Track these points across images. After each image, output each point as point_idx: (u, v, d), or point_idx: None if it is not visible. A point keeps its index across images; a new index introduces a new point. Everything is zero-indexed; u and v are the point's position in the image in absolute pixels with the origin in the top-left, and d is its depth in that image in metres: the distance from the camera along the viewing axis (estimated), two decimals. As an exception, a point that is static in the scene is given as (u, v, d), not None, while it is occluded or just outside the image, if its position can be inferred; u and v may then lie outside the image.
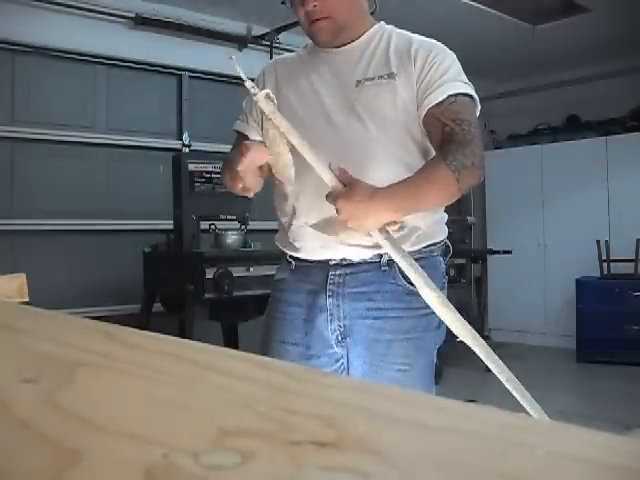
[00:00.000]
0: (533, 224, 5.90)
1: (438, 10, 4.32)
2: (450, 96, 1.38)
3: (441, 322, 1.49)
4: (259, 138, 1.53)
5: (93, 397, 0.36)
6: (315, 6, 1.38)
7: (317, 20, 1.41)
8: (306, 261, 1.49)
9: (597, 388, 4.41)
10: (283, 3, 1.47)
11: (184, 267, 3.36)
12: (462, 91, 1.40)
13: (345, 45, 1.48)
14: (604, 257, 5.21)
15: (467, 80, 1.43)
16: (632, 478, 0.25)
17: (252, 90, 1.23)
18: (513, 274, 5.84)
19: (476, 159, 1.33)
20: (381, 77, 1.42)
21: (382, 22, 1.52)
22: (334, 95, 1.44)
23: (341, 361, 1.49)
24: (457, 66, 1.43)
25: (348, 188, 1.26)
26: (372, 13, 1.52)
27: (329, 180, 1.27)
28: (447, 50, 1.45)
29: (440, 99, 1.38)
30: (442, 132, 1.37)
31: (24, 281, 0.95)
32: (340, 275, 1.45)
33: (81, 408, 0.33)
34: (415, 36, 1.47)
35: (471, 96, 1.42)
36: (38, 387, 0.36)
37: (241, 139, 1.57)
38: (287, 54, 1.68)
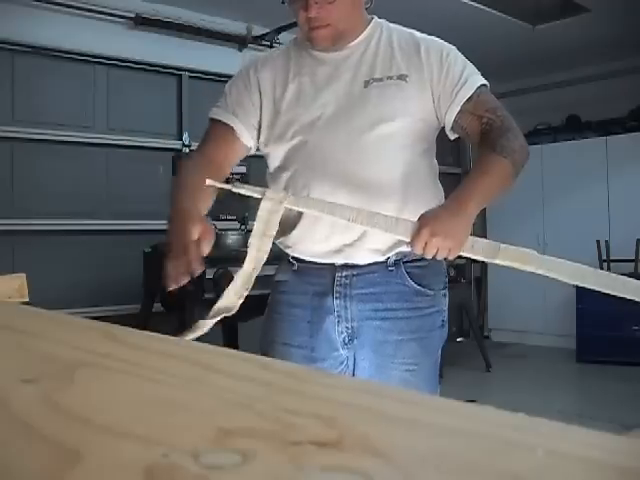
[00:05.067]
0: (533, 224, 5.90)
1: (438, 10, 4.32)
2: (476, 89, 1.40)
3: (444, 321, 1.50)
4: (247, 133, 1.46)
5: (93, 397, 0.36)
6: (318, 13, 1.35)
7: (318, 27, 1.38)
8: (310, 262, 1.47)
9: (597, 388, 4.41)
10: (283, 2, 1.43)
11: (184, 267, 3.35)
12: (482, 83, 1.43)
13: (345, 46, 1.45)
14: (604, 257, 5.21)
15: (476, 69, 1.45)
16: (631, 478, 0.25)
17: (272, 201, 1.20)
18: (513, 274, 5.79)
19: (520, 140, 1.38)
20: (390, 78, 1.40)
21: (375, 17, 1.50)
22: (338, 95, 1.41)
23: (345, 363, 1.47)
24: (465, 59, 1.45)
25: (424, 219, 1.23)
26: (367, 8, 1.49)
27: (404, 232, 1.23)
28: (449, 45, 1.45)
29: (469, 94, 1.39)
30: (480, 124, 1.39)
31: (24, 281, 0.95)
32: (347, 276, 1.43)
33: (81, 408, 0.33)
34: (418, 34, 1.46)
35: (486, 85, 1.44)
36: (38, 387, 0.36)
37: (221, 131, 1.47)
38: (269, 52, 1.63)
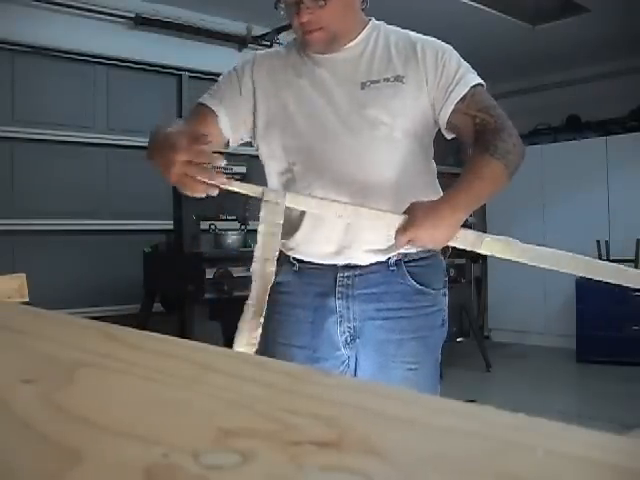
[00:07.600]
0: (533, 224, 5.90)
1: (438, 10, 4.32)
2: (470, 88, 1.40)
3: (444, 320, 1.52)
4: (228, 124, 1.44)
5: (93, 397, 0.36)
6: (310, 18, 1.36)
7: (311, 31, 1.38)
8: (312, 263, 1.47)
9: (597, 388, 4.41)
10: (276, 8, 1.43)
11: (184, 267, 3.36)
12: (477, 82, 1.42)
13: (341, 48, 1.45)
14: (604, 257, 5.20)
15: (472, 68, 1.45)
16: (631, 478, 0.25)
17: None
18: (513, 274, 5.83)
19: (514, 139, 1.37)
20: (387, 79, 1.41)
21: (372, 19, 1.50)
22: (336, 98, 1.42)
23: (346, 363, 1.48)
24: (460, 59, 1.45)
25: (412, 218, 1.25)
26: (363, 9, 1.48)
27: (394, 222, 1.27)
28: (445, 45, 1.46)
29: (463, 94, 1.39)
30: (474, 124, 1.39)
31: (24, 281, 0.95)
32: (349, 277, 1.44)
33: (81, 408, 0.33)
34: (414, 35, 1.47)
35: (482, 84, 1.44)
36: (38, 387, 0.36)
37: (204, 112, 1.46)
38: (267, 51, 1.63)
